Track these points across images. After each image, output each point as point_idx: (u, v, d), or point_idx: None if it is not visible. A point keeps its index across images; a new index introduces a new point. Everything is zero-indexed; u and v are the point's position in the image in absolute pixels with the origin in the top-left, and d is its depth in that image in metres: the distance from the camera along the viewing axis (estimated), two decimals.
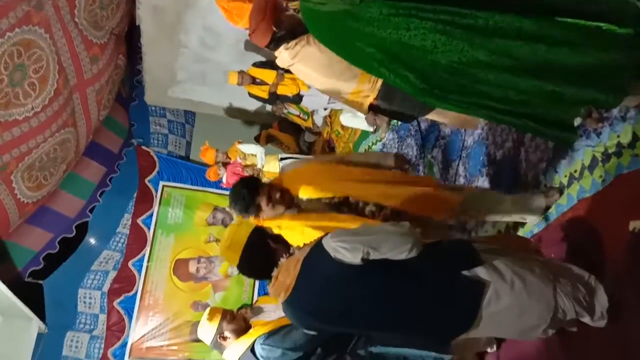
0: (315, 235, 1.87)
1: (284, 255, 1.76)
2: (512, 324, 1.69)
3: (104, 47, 4.39)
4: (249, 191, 2.20)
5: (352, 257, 1.58)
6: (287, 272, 1.70)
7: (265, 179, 4.79)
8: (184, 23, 4.70)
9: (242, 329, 2.40)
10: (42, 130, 4.07)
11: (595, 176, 2.04)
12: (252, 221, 2.17)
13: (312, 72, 2.27)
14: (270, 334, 2.27)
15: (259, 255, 1.78)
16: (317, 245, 1.66)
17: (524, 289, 1.62)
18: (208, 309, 2.51)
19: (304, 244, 1.80)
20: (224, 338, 2.40)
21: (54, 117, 4.12)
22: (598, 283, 1.75)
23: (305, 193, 2.22)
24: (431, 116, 2.47)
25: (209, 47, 4.65)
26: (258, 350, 2.25)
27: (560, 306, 1.67)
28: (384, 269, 1.61)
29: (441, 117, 2.50)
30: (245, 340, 2.34)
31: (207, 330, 2.42)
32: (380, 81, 2.20)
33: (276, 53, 2.26)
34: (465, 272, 1.62)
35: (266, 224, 2.14)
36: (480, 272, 1.62)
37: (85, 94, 4.47)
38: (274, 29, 2.12)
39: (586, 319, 1.74)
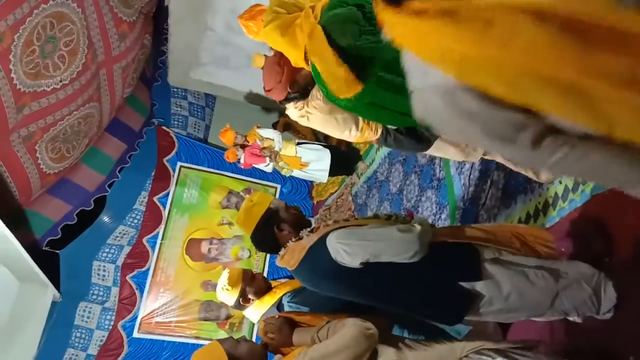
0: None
1: (292, 239, 1.85)
2: (499, 318, 1.78)
3: (133, 25, 4.46)
4: None
5: (351, 260, 1.65)
6: (292, 254, 1.81)
7: (282, 163, 4.84)
8: (212, 5, 4.73)
9: (263, 290, 2.44)
10: (68, 103, 4.16)
11: None
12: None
13: (318, 126, 2.31)
14: (297, 292, 2.32)
15: (268, 238, 1.91)
16: (323, 238, 1.73)
17: (518, 300, 1.67)
18: (227, 271, 2.45)
19: (316, 230, 1.84)
20: (247, 300, 2.42)
21: (81, 91, 4.22)
22: (607, 280, 1.77)
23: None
24: (431, 152, 2.30)
25: (234, 31, 4.67)
26: (286, 308, 2.30)
27: (559, 308, 1.71)
28: (380, 269, 1.67)
29: (441, 152, 2.34)
30: (269, 299, 2.38)
31: (228, 295, 2.42)
32: (380, 128, 2.19)
33: (287, 110, 2.28)
34: (463, 283, 1.66)
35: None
36: (479, 286, 1.66)
37: (112, 70, 4.56)
38: (289, 89, 2.12)
39: (591, 313, 1.78)
